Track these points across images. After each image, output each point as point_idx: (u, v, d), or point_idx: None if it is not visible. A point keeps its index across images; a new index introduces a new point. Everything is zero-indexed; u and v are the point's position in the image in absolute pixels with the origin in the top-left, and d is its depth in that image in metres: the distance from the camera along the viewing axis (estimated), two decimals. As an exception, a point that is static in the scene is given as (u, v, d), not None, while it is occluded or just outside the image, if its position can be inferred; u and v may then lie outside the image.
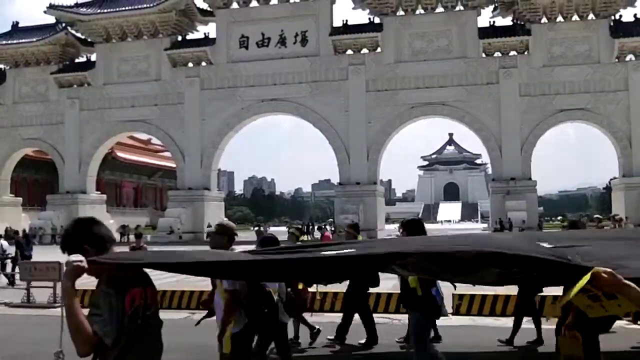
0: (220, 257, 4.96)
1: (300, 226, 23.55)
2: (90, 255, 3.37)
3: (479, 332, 12.33)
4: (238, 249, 6.55)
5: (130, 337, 3.33)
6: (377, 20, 55.32)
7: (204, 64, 58.41)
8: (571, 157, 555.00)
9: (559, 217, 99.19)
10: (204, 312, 7.76)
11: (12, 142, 63.13)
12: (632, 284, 3.30)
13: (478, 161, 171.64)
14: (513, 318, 11.30)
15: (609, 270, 3.34)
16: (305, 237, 39.96)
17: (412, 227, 8.11)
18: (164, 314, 3.90)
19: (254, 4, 57.20)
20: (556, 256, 4.40)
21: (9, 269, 24.44)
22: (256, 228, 33.52)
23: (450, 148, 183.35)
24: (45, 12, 60.16)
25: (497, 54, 53.34)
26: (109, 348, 3.27)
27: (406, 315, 9.64)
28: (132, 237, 26.37)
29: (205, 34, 60.34)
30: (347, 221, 50.55)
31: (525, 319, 11.08)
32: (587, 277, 3.35)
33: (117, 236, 54.94)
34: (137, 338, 3.37)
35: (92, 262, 3.31)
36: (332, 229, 56.07)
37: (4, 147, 63.32)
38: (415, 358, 7.92)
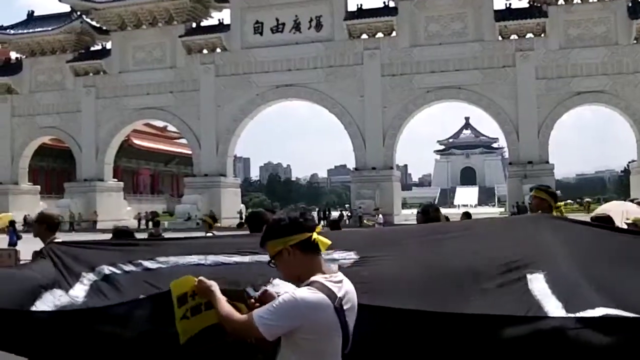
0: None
1: (212, 214, 20.04)
2: None
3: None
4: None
5: None
6: (391, 4, 54.90)
7: (218, 50, 58.35)
8: (589, 140, 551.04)
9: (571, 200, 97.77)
10: None
11: (29, 130, 63.56)
12: (217, 293, 3.07)
13: (495, 145, 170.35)
14: None
15: (200, 277, 3.18)
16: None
17: (255, 221, 6.23)
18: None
19: (268, -11, 57.03)
20: None
21: None
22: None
23: (467, 132, 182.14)
24: (60, 0, 60.30)
25: (514, 36, 52.77)
26: None
27: None
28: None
29: (219, 20, 60.26)
30: (364, 206, 51.17)
31: None
32: (181, 290, 3.20)
33: (135, 222, 55.66)
34: None
35: None
36: (349, 214, 56.22)
37: (21, 135, 63.80)
38: None
